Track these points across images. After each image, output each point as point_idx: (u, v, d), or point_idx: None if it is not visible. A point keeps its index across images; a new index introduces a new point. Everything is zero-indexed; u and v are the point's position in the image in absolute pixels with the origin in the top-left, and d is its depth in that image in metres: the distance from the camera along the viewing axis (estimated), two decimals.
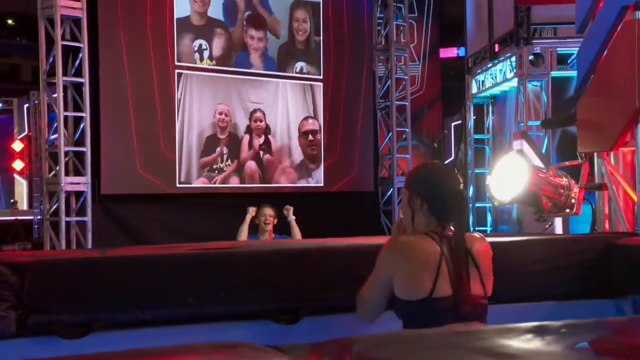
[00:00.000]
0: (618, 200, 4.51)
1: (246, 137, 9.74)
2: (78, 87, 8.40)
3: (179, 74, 9.16)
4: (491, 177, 4.84)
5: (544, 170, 4.76)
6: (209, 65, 9.44)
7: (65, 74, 8.29)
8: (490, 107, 11.60)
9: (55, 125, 8.26)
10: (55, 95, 8.24)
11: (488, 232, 10.70)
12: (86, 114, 8.35)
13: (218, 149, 9.47)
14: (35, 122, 14.26)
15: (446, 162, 14.64)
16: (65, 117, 8.35)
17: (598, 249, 3.74)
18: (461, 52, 14.18)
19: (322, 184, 10.34)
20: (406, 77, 11.40)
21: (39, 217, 13.07)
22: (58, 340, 2.86)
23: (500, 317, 2.70)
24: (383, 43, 11.29)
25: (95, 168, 8.52)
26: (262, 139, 9.87)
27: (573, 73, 8.23)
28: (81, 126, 8.39)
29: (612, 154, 4.58)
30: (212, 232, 7.75)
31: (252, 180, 9.78)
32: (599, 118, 4.59)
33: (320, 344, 1.58)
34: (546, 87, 9.60)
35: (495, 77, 10.81)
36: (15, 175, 18.69)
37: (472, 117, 11.63)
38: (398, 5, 11.20)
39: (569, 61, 9.56)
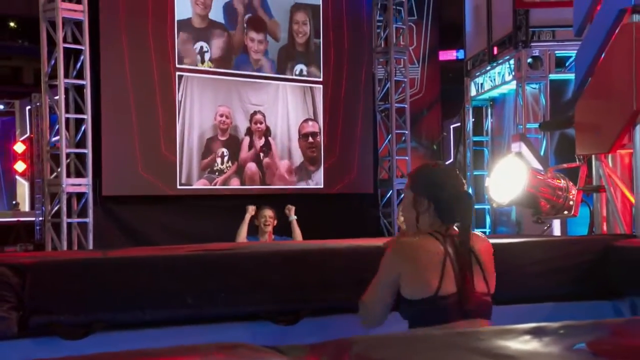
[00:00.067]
0: (616, 202, 4.48)
1: (246, 139, 9.77)
2: (79, 89, 8.43)
3: (180, 76, 9.20)
4: (490, 179, 4.83)
5: (543, 173, 4.75)
6: (210, 67, 9.48)
7: (66, 76, 8.32)
8: (489, 110, 11.60)
9: (57, 127, 8.28)
10: (56, 98, 8.26)
11: (487, 233, 10.70)
12: (87, 116, 8.38)
13: (218, 151, 9.51)
14: (37, 124, 14.26)
15: (445, 164, 14.64)
16: (67, 119, 8.38)
17: (596, 250, 3.75)
18: (460, 54, 14.17)
19: (322, 186, 10.36)
20: (405, 80, 11.41)
21: (40, 218, 13.06)
22: (59, 341, 2.87)
23: (498, 318, 2.75)
24: (382, 46, 11.31)
25: (97, 170, 8.54)
26: (262, 141, 9.89)
27: (571, 76, 8.21)
28: (82, 128, 8.42)
29: (609, 156, 4.55)
30: (212, 234, 7.77)
31: (253, 182, 9.80)
32: (596, 120, 4.57)
33: (319, 345, 1.59)
34: (545, 90, 9.60)
35: (494, 79, 10.82)
36: (17, 177, 18.69)
37: (471, 120, 11.63)
38: (397, 8, 11.22)
39: (567, 64, 9.55)
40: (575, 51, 5.15)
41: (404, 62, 11.42)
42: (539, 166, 5.40)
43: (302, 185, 10.23)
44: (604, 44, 4.53)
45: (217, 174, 9.51)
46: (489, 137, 11.59)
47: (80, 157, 8.46)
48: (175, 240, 8.02)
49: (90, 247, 8.29)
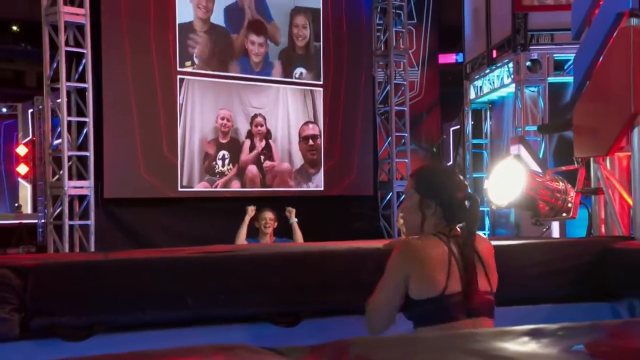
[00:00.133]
0: (614, 204, 4.43)
1: (247, 142, 9.80)
2: (81, 92, 8.47)
3: (181, 79, 9.23)
4: (489, 182, 4.81)
5: (541, 175, 4.72)
6: (211, 70, 9.51)
7: (68, 79, 8.36)
8: (488, 113, 11.60)
9: (59, 130, 8.32)
10: (59, 101, 8.30)
11: (486, 235, 10.72)
12: (89, 119, 8.41)
13: (219, 154, 9.55)
14: (39, 127, 14.31)
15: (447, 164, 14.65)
16: (69, 122, 8.41)
17: (594, 252, 3.74)
18: (459, 58, 14.18)
19: (322, 188, 10.39)
20: (405, 83, 11.44)
21: (42, 220, 13.07)
22: (61, 343, 2.87)
23: (497, 320, 2.77)
24: (382, 49, 11.33)
25: (98, 172, 8.58)
26: (262, 144, 9.92)
27: (570, 79, 8.21)
28: (84, 131, 8.45)
29: (608, 158, 4.51)
30: (213, 236, 7.72)
31: (253, 184, 9.84)
32: (594, 123, 4.53)
33: (318, 346, 1.58)
34: (543, 93, 9.62)
35: (493, 82, 10.84)
36: (20, 180, 18.66)
37: (471, 122, 11.64)
38: (397, 12, 11.24)
39: (565, 67, 9.56)
40: (574, 54, 5.09)
41: (404, 65, 11.44)
42: (537, 168, 5.40)
43: (302, 188, 10.26)
44: (602, 47, 4.50)
45: (218, 176, 9.54)
46: (488, 139, 11.60)
47: (82, 160, 8.49)
48: (176, 242, 8.04)
49: (92, 249, 8.30)
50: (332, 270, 3.33)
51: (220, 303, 3.12)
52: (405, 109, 11.36)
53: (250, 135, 9.81)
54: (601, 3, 4.60)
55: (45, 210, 9.17)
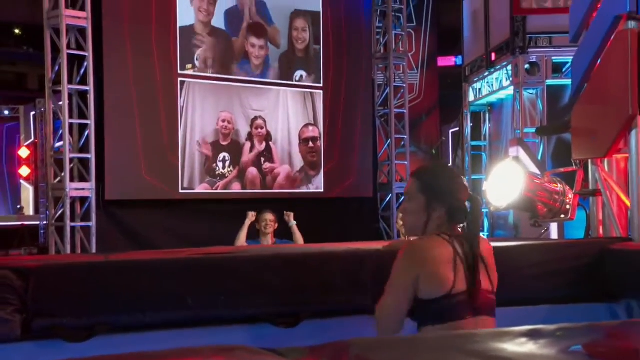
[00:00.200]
0: (612, 206, 4.41)
1: (248, 144, 9.83)
2: (83, 94, 8.49)
3: (182, 82, 9.26)
4: (488, 183, 4.83)
5: (540, 177, 4.76)
6: (212, 73, 9.54)
7: (70, 82, 8.38)
8: (487, 115, 11.64)
9: (61, 132, 8.35)
10: (60, 103, 8.32)
11: (485, 236, 10.74)
12: (91, 121, 8.43)
13: (220, 156, 9.58)
14: (41, 129, 14.25)
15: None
16: (71, 125, 8.43)
17: (592, 254, 3.76)
18: (459, 60, 14.23)
19: (322, 190, 10.40)
20: (405, 85, 11.45)
21: (44, 222, 13.03)
22: (62, 344, 2.88)
23: (496, 321, 2.77)
24: (382, 52, 11.36)
25: (100, 174, 8.59)
26: (263, 146, 9.95)
27: (568, 81, 8.25)
28: (86, 133, 8.47)
29: (605, 160, 4.50)
30: (214, 237, 7.71)
31: (254, 186, 9.85)
32: (593, 125, 4.51)
33: (318, 347, 1.58)
34: (542, 95, 9.66)
35: (492, 85, 10.87)
36: (22, 181, 18.64)
37: (470, 125, 11.68)
38: (397, 15, 11.26)
39: (564, 70, 9.59)
40: (572, 57, 5.10)
41: (403, 68, 11.47)
42: (536, 170, 5.41)
43: (302, 190, 10.27)
44: (599, 50, 4.49)
45: (218, 178, 9.56)
46: (487, 141, 11.63)
47: (84, 162, 8.51)
48: (177, 243, 8.06)
49: (94, 250, 8.32)
50: (332, 272, 3.33)
51: (220, 304, 3.13)
52: (405, 111, 11.38)
53: (250, 137, 9.83)
54: (599, 6, 4.60)
55: (47, 212, 9.18)
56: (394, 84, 11.22)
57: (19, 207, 18.54)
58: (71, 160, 8.42)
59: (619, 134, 4.26)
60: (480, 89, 11.33)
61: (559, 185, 4.67)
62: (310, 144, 10.32)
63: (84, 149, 8.52)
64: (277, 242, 7.04)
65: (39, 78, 15.02)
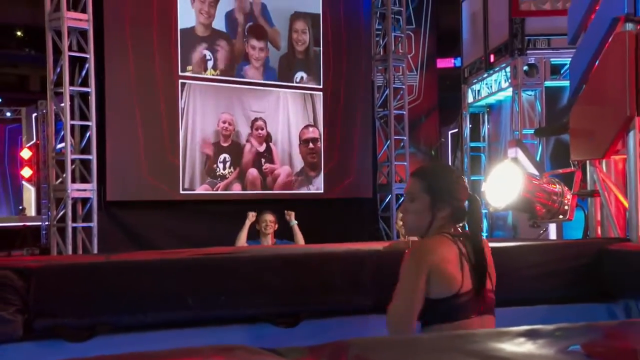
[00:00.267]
0: (610, 206, 4.43)
1: (248, 145, 9.86)
2: (84, 96, 8.50)
3: (183, 84, 9.28)
4: (487, 184, 4.84)
5: (538, 178, 4.76)
6: (213, 75, 9.58)
7: (72, 83, 8.39)
8: (486, 116, 11.65)
9: (63, 133, 8.35)
10: (62, 105, 8.33)
11: (484, 237, 10.73)
12: (92, 123, 8.44)
13: (220, 157, 9.62)
14: (43, 131, 14.27)
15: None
16: (72, 126, 8.43)
17: (590, 254, 3.78)
18: (457, 62, 14.26)
19: (322, 191, 10.41)
20: (404, 87, 11.47)
21: (46, 223, 13.04)
22: (63, 344, 2.90)
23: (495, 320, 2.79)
24: (381, 53, 11.37)
25: (101, 175, 8.61)
26: (263, 147, 9.98)
27: (566, 83, 8.25)
28: (87, 134, 8.49)
29: (603, 161, 4.53)
30: (214, 238, 7.72)
31: (254, 187, 9.87)
32: (590, 127, 4.50)
33: (317, 347, 1.58)
34: (540, 97, 9.68)
35: (491, 86, 10.89)
36: (24, 183, 18.65)
37: (469, 126, 11.69)
38: (396, 17, 11.27)
39: (562, 71, 9.60)
40: (570, 59, 5.10)
41: (403, 70, 11.48)
42: (534, 171, 5.41)
43: (302, 190, 10.29)
44: (597, 51, 4.49)
45: (219, 179, 9.59)
46: (485, 143, 11.65)
47: (85, 163, 8.53)
48: (178, 244, 8.06)
49: (95, 251, 8.33)
50: (332, 272, 3.35)
51: (220, 304, 3.15)
52: (404, 112, 11.39)
53: (250, 138, 9.87)
54: (597, 8, 4.61)
55: (49, 213, 9.17)
56: (394, 86, 11.23)
57: (21, 208, 18.55)
58: (73, 161, 8.43)
59: (616, 135, 4.27)
60: (479, 91, 11.35)
61: (558, 186, 4.69)
62: (310, 145, 10.34)
63: (86, 150, 8.54)
64: (277, 243, 7.06)
65: (41, 80, 15.05)
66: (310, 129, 10.36)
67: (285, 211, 7.53)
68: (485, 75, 10.91)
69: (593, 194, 4.64)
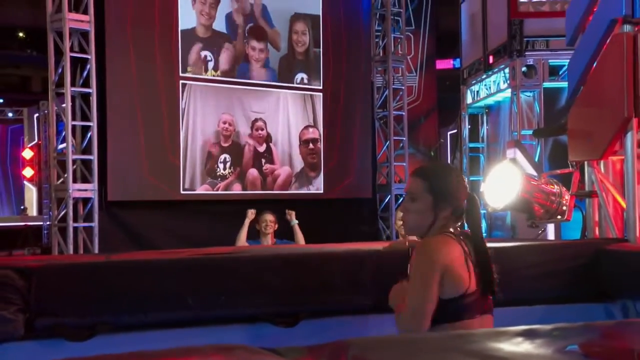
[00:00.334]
0: (608, 207, 4.45)
1: (248, 146, 9.89)
2: (86, 97, 8.51)
3: (184, 85, 9.29)
4: (485, 185, 4.83)
5: (536, 178, 4.76)
6: (213, 76, 9.60)
7: (73, 84, 8.40)
8: (485, 117, 11.70)
9: (64, 134, 8.35)
10: (63, 105, 8.33)
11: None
12: (93, 123, 8.45)
13: (221, 157, 9.65)
14: (44, 131, 14.25)
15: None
16: (74, 126, 8.45)
17: (588, 254, 3.79)
18: (457, 63, 14.30)
19: (322, 191, 10.42)
20: (403, 88, 11.45)
21: (47, 222, 13.08)
22: (64, 343, 2.92)
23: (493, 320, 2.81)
24: (381, 54, 11.34)
25: (102, 175, 8.62)
26: (263, 147, 10.00)
27: (564, 84, 8.30)
28: (88, 135, 8.50)
29: (601, 162, 4.54)
30: (215, 238, 7.72)
31: (254, 187, 9.88)
32: (589, 128, 4.49)
33: (317, 347, 1.59)
34: (538, 98, 9.72)
35: (490, 87, 10.93)
36: (26, 183, 18.71)
37: (467, 127, 11.73)
38: (395, 18, 11.25)
39: (560, 72, 9.64)
40: (568, 60, 5.10)
41: (402, 71, 11.46)
42: (533, 172, 5.42)
43: (302, 190, 10.29)
44: (595, 53, 4.48)
45: (219, 179, 9.60)
46: (484, 143, 11.70)
47: (86, 163, 8.54)
48: (178, 244, 8.05)
49: (96, 251, 8.34)
50: (332, 272, 3.36)
51: (220, 304, 3.16)
52: (404, 113, 11.37)
53: (251, 139, 9.90)
54: (595, 10, 4.61)
55: (50, 213, 9.20)
56: (393, 87, 11.21)
57: (22, 207, 18.61)
58: (74, 161, 8.44)
59: (614, 136, 4.28)
60: (478, 92, 11.39)
61: (556, 186, 4.68)
62: (310, 145, 10.36)
63: (87, 150, 8.55)
64: (278, 243, 7.08)
65: (43, 80, 15.08)
66: (310, 129, 10.37)
67: (286, 210, 7.56)
68: (484, 76, 10.95)
69: (591, 194, 4.65)
